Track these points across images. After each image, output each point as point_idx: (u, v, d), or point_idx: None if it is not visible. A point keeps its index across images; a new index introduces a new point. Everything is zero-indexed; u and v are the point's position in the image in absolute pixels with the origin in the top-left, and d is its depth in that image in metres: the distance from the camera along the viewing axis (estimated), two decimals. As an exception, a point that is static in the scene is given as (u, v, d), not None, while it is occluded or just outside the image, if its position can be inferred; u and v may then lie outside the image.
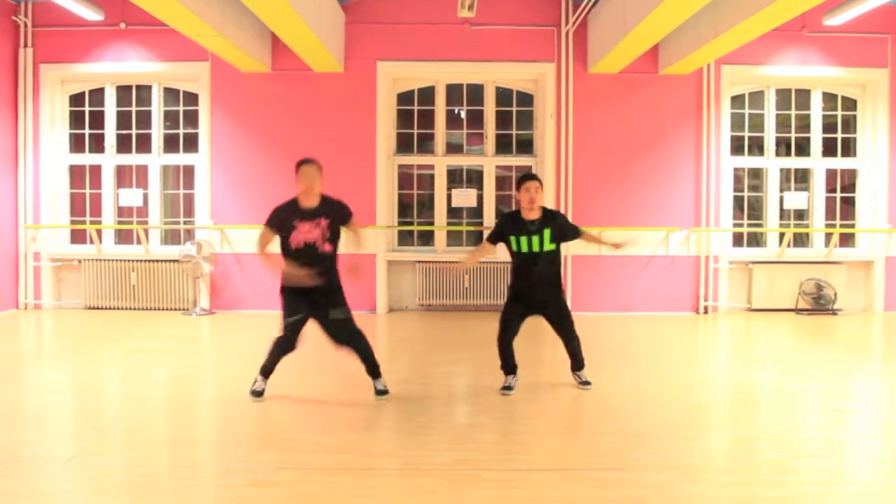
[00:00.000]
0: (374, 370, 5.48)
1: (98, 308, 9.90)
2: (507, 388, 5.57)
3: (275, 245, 5.32)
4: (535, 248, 5.42)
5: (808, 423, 5.01)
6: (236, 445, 4.39)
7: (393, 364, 6.91)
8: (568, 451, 4.32)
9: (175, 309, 9.87)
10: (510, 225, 5.52)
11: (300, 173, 5.19)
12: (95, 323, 8.98)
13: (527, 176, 5.54)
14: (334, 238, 5.27)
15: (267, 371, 5.41)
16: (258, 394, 5.35)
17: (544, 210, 5.53)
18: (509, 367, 5.66)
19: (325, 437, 4.56)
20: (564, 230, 5.56)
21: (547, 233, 5.42)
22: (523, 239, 5.43)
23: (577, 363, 5.77)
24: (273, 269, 5.32)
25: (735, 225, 10.16)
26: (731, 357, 7.65)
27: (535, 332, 8.52)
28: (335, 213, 5.28)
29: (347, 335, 5.32)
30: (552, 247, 5.46)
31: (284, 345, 5.30)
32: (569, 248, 9.82)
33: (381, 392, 5.42)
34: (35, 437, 4.58)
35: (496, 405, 5.25)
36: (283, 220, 5.22)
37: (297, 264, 5.10)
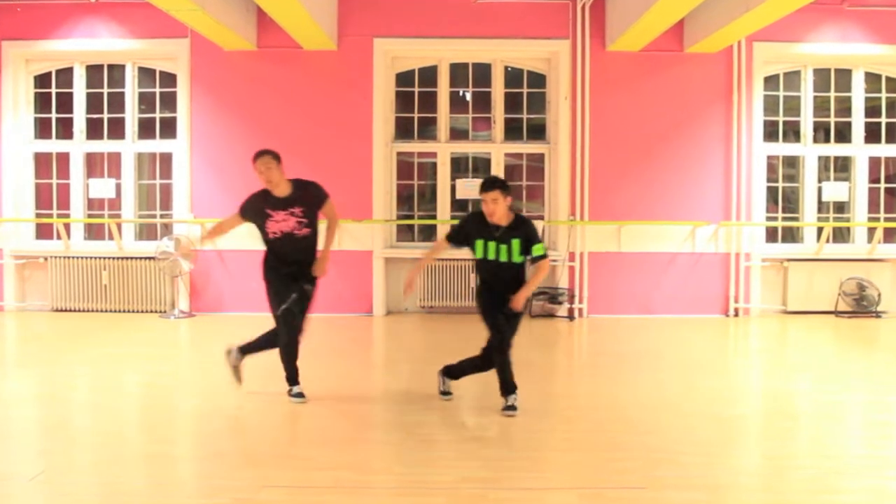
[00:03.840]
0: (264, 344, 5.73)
1: (66, 310, 9.90)
2: (513, 407, 5.29)
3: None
4: (503, 257, 5.30)
5: (850, 437, 5.00)
6: (218, 462, 4.38)
7: (391, 372, 6.93)
8: (584, 468, 4.31)
9: (151, 311, 9.88)
10: (474, 226, 5.40)
11: (256, 168, 5.50)
12: (63, 326, 8.99)
13: (486, 183, 5.32)
14: (312, 223, 5.55)
15: (294, 376, 5.62)
16: (300, 395, 5.58)
17: (516, 217, 5.38)
18: (513, 383, 5.36)
19: (316, 451, 4.55)
20: (526, 244, 5.32)
21: (515, 243, 5.29)
22: (490, 245, 5.32)
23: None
24: (208, 235, 5.91)
25: (768, 219, 10.13)
26: (765, 364, 7.62)
27: (548, 340, 8.52)
28: (308, 199, 5.55)
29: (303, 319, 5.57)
30: (520, 259, 5.33)
31: (287, 339, 5.50)
32: (585, 245, 9.82)
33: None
34: (-3, 451, 4.58)
35: (504, 418, 5.23)
36: (256, 210, 5.56)
37: (279, 253, 5.50)
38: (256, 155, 5.54)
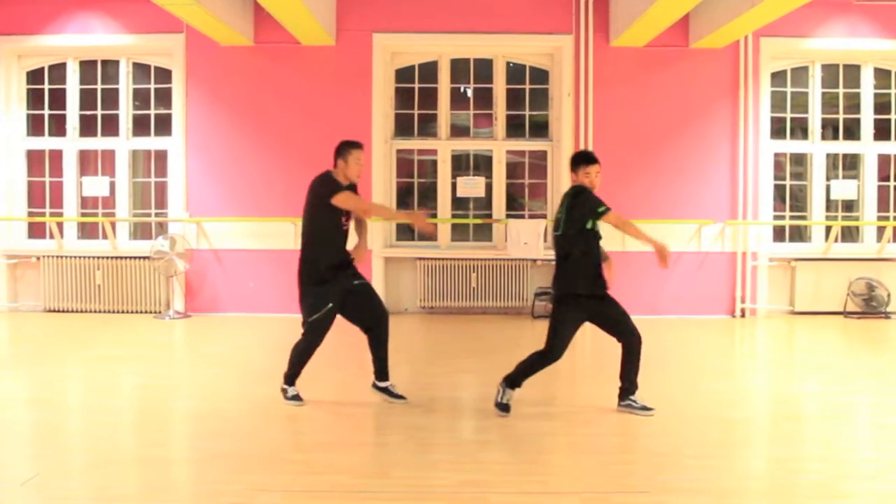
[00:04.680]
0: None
1: (59, 311, 9.91)
2: (505, 407, 5.32)
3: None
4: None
5: (859, 440, 5.00)
6: (213, 465, 4.38)
7: (391, 374, 6.92)
8: (586, 472, 4.31)
9: (145, 312, 9.88)
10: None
11: (353, 157, 5.54)
12: (56, 327, 8.99)
13: (590, 156, 5.67)
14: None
15: (294, 377, 5.60)
16: (297, 398, 5.54)
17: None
18: (518, 381, 5.40)
19: (313, 455, 4.56)
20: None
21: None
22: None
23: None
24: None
25: (776, 217, 10.14)
26: (771, 366, 7.62)
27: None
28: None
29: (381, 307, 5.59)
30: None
31: (308, 345, 5.48)
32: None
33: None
34: (-12, 455, 4.59)
35: (506, 421, 5.23)
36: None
37: (339, 248, 5.44)
38: (356, 144, 5.61)
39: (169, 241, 9.55)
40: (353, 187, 5.55)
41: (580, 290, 5.26)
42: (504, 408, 5.29)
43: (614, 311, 5.40)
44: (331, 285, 5.37)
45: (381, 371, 5.63)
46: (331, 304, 5.34)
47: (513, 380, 5.33)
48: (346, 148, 5.57)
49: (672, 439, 4.85)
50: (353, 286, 5.48)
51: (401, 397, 5.60)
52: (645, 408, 5.32)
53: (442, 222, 10.12)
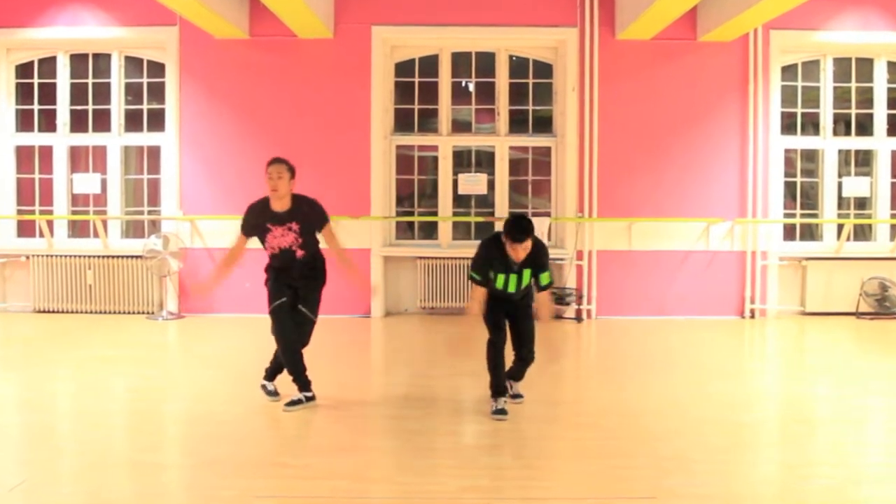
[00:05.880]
0: (271, 374, 5.91)
1: (49, 311, 9.92)
2: (502, 411, 5.42)
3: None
4: (512, 288, 5.39)
5: (871, 444, 5.01)
6: (207, 470, 4.39)
7: (389, 376, 6.94)
8: (591, 477, 4.31)
9: (138, 312, 9.89)
10: (497, 256, 5.33)
11: (267, 174, 5.49)
12: (46, 328, 9.01)
13: (517, 231, 5.13)
14: (308, 242, 5.59)
15: (273, 374, 5.88)
16: (273, 393, 5.83)
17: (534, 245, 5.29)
18: (500, 386, 5.53)
19: (312, 460, 4.56)
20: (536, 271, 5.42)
21: (527, 273, 5.37)
22: (509, 277, 5.36)
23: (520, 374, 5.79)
24: (215, 278, 6.17)
25: (786, 215, 10.13)
26: (782, 368, 7.63)
27: (555, 342, 8.52)
28: (306, 217, 5.56)
29: (303, 337, 5.67)
30: (527, 282, 5.45)
31: (283, 342, 5.57)
32: (594, 243, 9.82)
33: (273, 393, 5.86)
34: (-23, 459, 4.59)
35: (508, 424, 5.25)
36: (256, 223, 5.59)
37: (279, 269, 5.62)
38: (271, 161, 5.53)
39: (162, 240, 9.56)
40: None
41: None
42: (501, 412, 5.40)
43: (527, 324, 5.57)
44: None
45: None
46: None
47: (494, 387, 5.52)
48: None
49: (679, 443, 4.85)
50: None
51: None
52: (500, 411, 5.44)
53: (443, 220, 10.12)
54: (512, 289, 5.38)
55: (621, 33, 9.64)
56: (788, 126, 10.15)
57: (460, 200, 10.22)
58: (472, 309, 5.47)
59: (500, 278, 5.35)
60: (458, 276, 9.86)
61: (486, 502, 3.90)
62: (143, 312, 9.88)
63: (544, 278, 5.41)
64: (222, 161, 9.86)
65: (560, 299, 9.76)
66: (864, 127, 10.21)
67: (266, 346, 6.91)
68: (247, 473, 4.32)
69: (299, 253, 5.54)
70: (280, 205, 5.50)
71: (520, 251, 5.15)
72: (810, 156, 10.27)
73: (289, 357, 5.58)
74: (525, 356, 5.59)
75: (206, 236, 9.92)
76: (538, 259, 5.32)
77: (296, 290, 5.62)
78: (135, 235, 10.26)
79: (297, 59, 9.85)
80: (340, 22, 9.84)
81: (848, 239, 9.99)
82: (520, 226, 5.12)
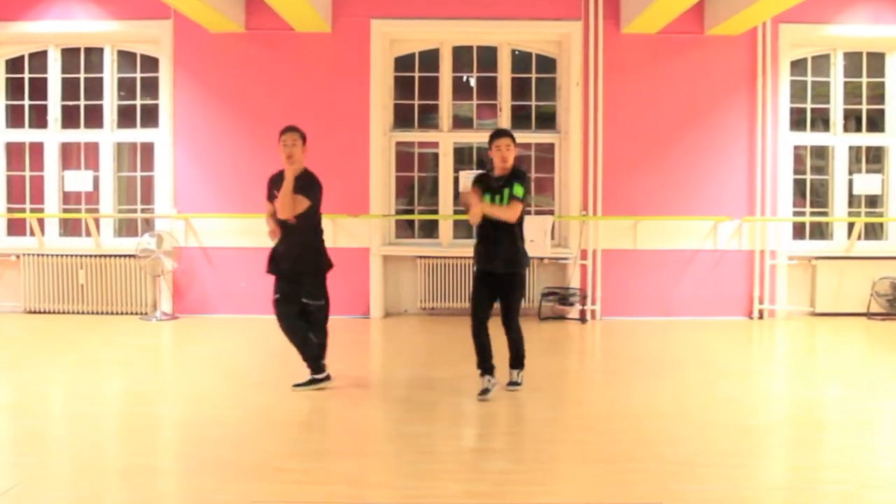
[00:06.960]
0: (315, 361, 6.24)
1: (40, 312, 9.93)
2: (485, 391, 5.90)
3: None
4: (496, 209, 5.93)
5: (882, 448, 5.00)
6: (204, 475, 4.39)
7: (389, 378, 6.94)
8: (596, 482, 4.32)
9: (131, 313, 9.90)
10: (483, 180, 6.11)
11: (281, 141, 6.00)
12: (37, 329, 9.01)
13: (499, 132, 6.15)
14: (302, 215, 5.96)
15: (311, 364, 6.16)
16: (326, 378, 6.20)
17: (514, 169, 6.01)
18: (486, 364, 6.00)
19: (311, 464, 4.57)
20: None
21: (506, 193, 5.91)
22: (494, 199, 5.94)
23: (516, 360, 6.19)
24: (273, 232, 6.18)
25: (795, 213, 10.14)
26: (791, 370, 7.64)
27: (559, 343, 8.54)
28: (300, 189, 5.96)
29: (315, 324, 6.22)
30: (507, 202, 5.93)
31: (285, 332, 6.09)
32: (598, 242, 9.82)
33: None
34: (-33, 463, 4.60)
35: (510, 427, 5.26)
36: (271, 189, 6.10)
37: (275, 248, 6.13)
38: (285, 129, 6.04)
39: (156, 239, 9.56)
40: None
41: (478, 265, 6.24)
42: (483, 392, 5.90)
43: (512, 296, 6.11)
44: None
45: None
46: None
47: (478, 363, 6.04)
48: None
49: (686, 446, 4.86)
50: None
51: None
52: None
53: (443, 219, 10.13)
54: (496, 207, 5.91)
55: (627, 27, 9.64)
56: (798, 122, 10.15)
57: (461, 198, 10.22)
58: (473, 218, 6.10)
59: (486, 198, 5.94)
60: (460, 275, 9.86)
61: (488, 507, 3.91)
62: (137, 313, 9.88)
63: (517, 188, 5.90)
64: (217, 158, 9.87)
65: (563, 300, 9.77)
66: (876, 123, 10.22)
67: (261, 348, 6.93)
68: (244, 478, 4.32)
69: (291, 219, 5.94)
70: (292, 172, 5.92)
71: (504, 151, 5.95)
72: (820, 152, 10.27)
73: (297, 343, 6.08)
74: (509, 325, 6.07)
75: (200, 235, 9.92)
76: (515, 177, 5.94)
77: (295, 281, 6.05)
78: (128, 234, 10.27)
79: (294, 53, 9.85)
80: (339, 15, 9.84)
81: (859, 238, 10.00)
82: (499, 129, 6.45)
